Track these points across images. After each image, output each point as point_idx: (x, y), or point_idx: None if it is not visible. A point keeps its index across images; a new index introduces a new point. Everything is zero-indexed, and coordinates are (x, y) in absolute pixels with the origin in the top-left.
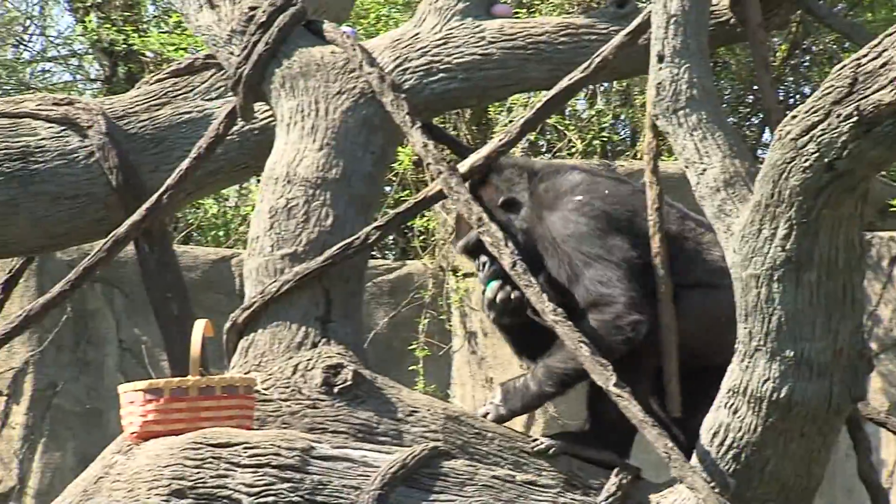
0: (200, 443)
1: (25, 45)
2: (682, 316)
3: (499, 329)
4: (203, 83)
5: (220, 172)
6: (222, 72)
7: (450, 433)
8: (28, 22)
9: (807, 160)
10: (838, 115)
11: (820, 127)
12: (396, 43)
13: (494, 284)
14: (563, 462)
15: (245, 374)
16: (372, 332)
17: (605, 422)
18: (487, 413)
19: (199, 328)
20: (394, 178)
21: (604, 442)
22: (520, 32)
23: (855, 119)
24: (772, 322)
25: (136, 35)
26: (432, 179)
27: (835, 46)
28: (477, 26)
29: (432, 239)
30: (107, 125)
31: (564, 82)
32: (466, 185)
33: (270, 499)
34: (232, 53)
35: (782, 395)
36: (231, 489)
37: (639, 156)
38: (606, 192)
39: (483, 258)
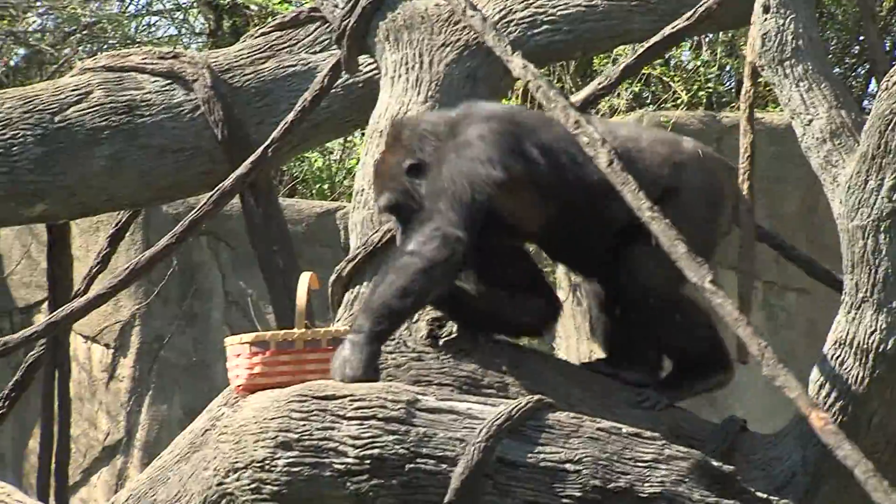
0: (306, 395)
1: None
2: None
3: None
4: (307, 36)
5: (324, 125)
6: (327, 25)
7: (554, 385)
8: None
9: None
10: None
11: None
12: None
13: None
14: (668, 414)
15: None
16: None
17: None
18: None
19: (305, 281)
20: None
21: (698, 368)
22: None
23: None
24: (878, 273)
25: None
26: None
27: None
28: None
29: None
30: (212, 79)
31: (667, 30)
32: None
33: (376, 451)
34: (336, 6)
35: (889, 346)
36: (337, 441)
37: None
38: (518, 122)
39: (397, 225)
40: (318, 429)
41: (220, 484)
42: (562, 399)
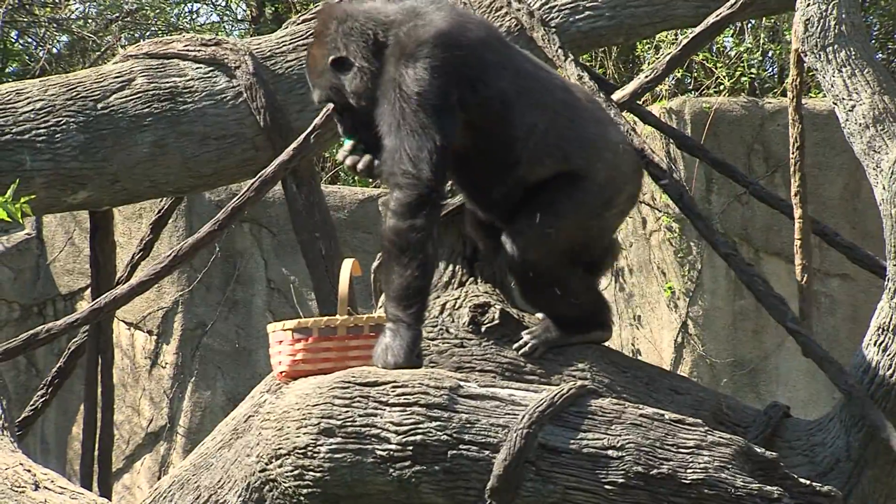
0: (349, 382)
1: None
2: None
3: None
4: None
5: None
6: None
7: (597, 371)
8: None
9: None
10: None
11: None
12: None
13: (348, 145)
14: (710, 400)
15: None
16: None
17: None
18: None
19: (347, 267)
20: None
21: (574, 326)
22: None
23: None
24: None
25: None
26: None
27: None
28: None
29: None
30: (254, 65)
31: (711, 19)
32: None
33: (418, 437)
34: None
35: None
36: (379, 428)
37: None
38: (465, 45)
39: (336, 115)
40: (360, 415)
41: (262, 470)
42: (604, 385)
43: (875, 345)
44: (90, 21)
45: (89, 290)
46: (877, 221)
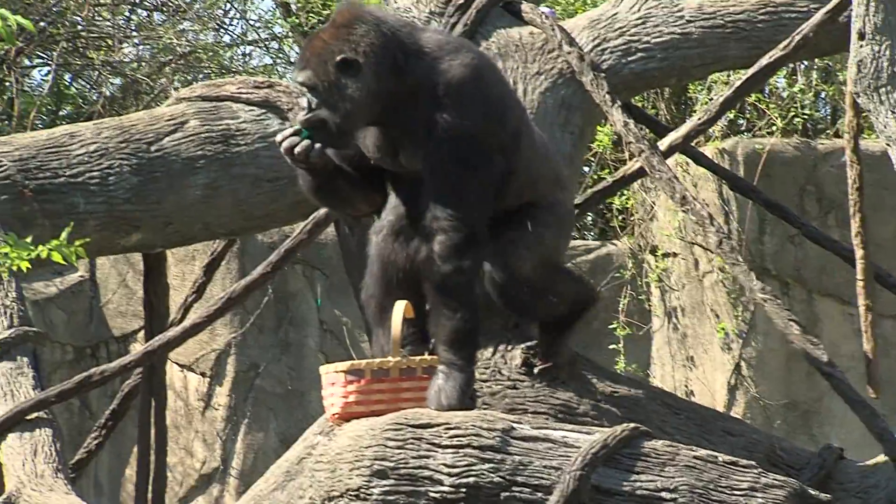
0: (401, 423)
1: (226, 29)
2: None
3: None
4: None
5: None
6: None
7: (649, 413)
8: (228, 6)
9: None
10: None
11: None
12: (594, 23)
13: (291, 130)
14: (764, 441)
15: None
16: None
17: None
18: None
19: (399, 310)
20: (592, 158)
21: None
22: (719, 11)
23: None
24: None
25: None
26: (631, 158)
27: None
28: (675, 5)
29: (631, 218)
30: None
31: (764, 60)
32: (667, 163)
33: (471, 479)
34: None
35: None
36: (432, 470)
37: (839, 133)
38: (498, 86)
39: (310, 100)
40: (413, 457)
41: None
42: (657, 427)
43: None
44: (143, 64)
45: (142, 332)
46: None
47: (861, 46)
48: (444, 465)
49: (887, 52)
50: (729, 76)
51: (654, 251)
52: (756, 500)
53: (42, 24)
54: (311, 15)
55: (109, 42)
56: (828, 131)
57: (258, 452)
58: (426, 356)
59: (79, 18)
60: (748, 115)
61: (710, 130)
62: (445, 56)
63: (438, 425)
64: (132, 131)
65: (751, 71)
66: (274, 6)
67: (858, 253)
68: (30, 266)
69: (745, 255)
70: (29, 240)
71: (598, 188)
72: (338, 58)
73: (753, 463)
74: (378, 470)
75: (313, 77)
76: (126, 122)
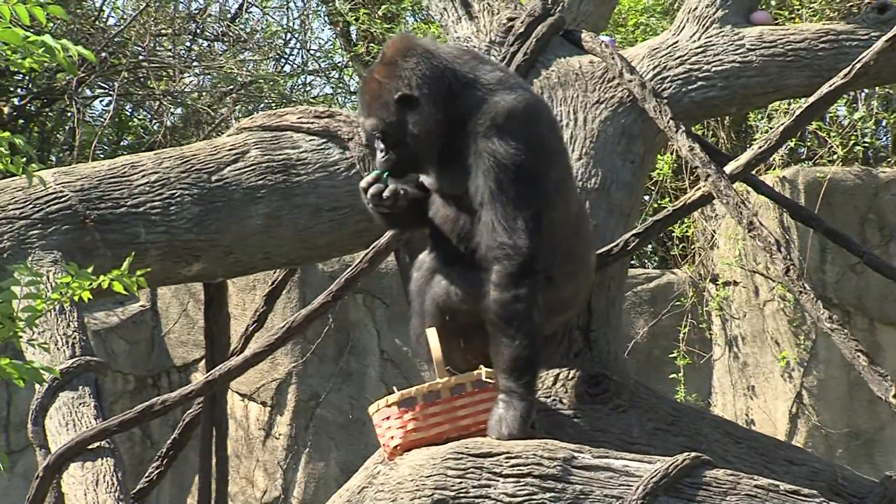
0: (462, 453)
1: (286, 59)
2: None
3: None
4: None
5: None
6: None
7: (710, 442)
8: (288, 36)
9: None
10: None
11: None
12: (655, 52)
13: (373, 175)
14: (826, 471)
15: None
16: (632, 341)
17: None
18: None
19: (433, 334)
20: (652, 187)
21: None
22: (779, 39)
23: None
24: None
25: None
26: (692, 186)
27: None
28: (736, 34)
29: (692, 247)
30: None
31: (825, 88)
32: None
33: None
34: None
35: None
36: (493, 499)
37: None
38: (547, 122)
39: (381, 143)
40: (474, 486)
41: None
42: (719, 456)
43: None
44: (204, 94)
45: (203, 361)
46: None
47: None
48: (505, 494)
49: None
50: (789, 104)
51: (714, 280)
52: None
53: (103, 54)
54: (371, 45)
55: (170, 72)
56: (889, 159)
57: (319, 482)
58: (473, 372)
59: (140, 48)
60: (809, 144)
61: (771, 159)
62: (501, 90)
63: (499, 454)
64: (193, 161)
65: (811, 99)
66: (334, 36)
67: None
68: (91, 296)
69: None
70: (90, 270)
71: (659, 217)
72: (395, 96)
73: (815, 492)
74: (439, 499)
75: (378, 123)
76: (187, 152)
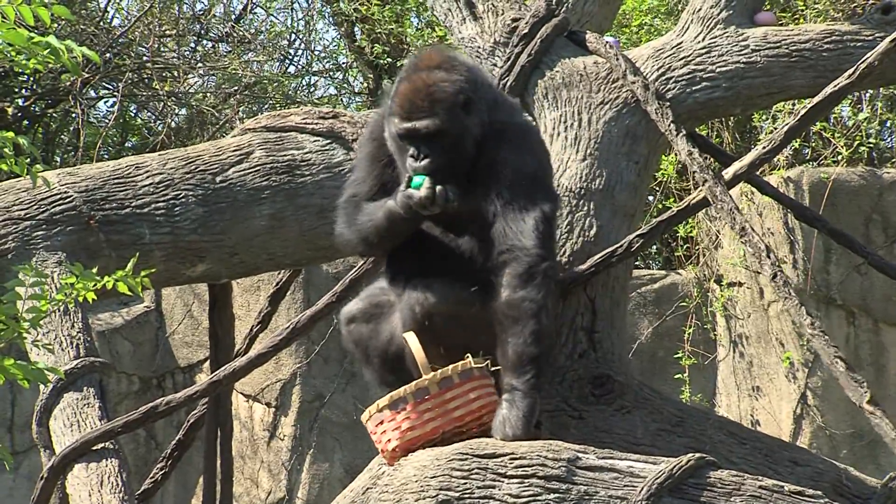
0: (466, 454)
1: (290, 60)
2: None
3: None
4: None
5: None
6: None
7: (715, 443)
8: (293, 37)
9: None
10: None
11: None
12: (659, 52)
13: (428, 181)
14: (830, 471)
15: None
16: (637, 342)
17: None
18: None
19: (412, 337)
20: (657, 187)
21: None
22: (784, 40)
23: None
24: None
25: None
26: (696, 187)
27: None
28: (740, 34)
29: (696, 248)
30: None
31: (829, 89)
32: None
33: None
34: (495, 65)
35: None
36: (497, 500)
37: None
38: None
39: (425, 145)
40: (478, 487)
41: None
42: (723, 457)
43: None
44: (209, 94)
45: (208, 362)
46: None
47: None
48: (510, 494)
49: None
50: (794, 105)
51: (719, 280)
52: None
53: (108, 55)
54: (375, 45)
55: (175, 73)
56: (893, 160)
57: (323, 482)
58: (457, 364)
59: (144, 49)
60: (813, 144)
61: (775, 159)
62: (505, 108)
63: (504, 455)
64: (197, 162)
65: (816, 100)
66: (338, 36)
67: None
68: (96, 297)
69: (810, 285)
70: (95, 270)
71: (663, 217)
72: (461, 98)
73: (820, 493)
74: (443, 500)
75: (445, 122)
76: (191, 153)
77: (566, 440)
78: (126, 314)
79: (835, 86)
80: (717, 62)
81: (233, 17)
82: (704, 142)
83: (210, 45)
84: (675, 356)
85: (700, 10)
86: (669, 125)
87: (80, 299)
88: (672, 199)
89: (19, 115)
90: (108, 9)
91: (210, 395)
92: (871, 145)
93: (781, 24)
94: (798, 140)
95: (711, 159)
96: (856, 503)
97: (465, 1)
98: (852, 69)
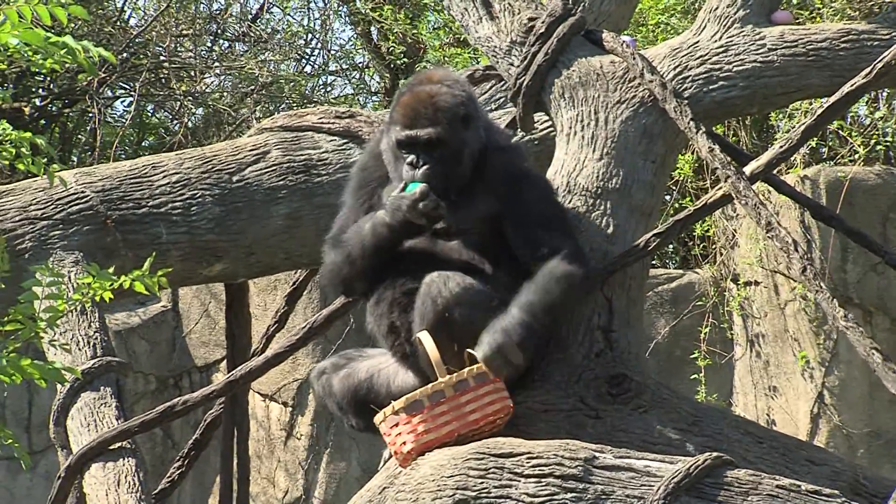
0: (483, 453)
1: (307, 59)
2: None
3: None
4: (483, 94)
5: None
6: (502, 83)
7: (732, 442)
8: (309, 36)
9: None
10: None
11: None
12: (676, 51)
13: (423, 187)
14: (847, 471)
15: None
16: (653, 341)
17: None
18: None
19: (426, 337)
20: (673, 187)
21: None
22: (801, 39)
23: None
24: None
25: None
26: (713, 186)
27: None
28: (757, 33)
29: (713, 247)
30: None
31: (846, 88)
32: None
33: None
34: (512, 64)
35: None
36: (514, 499)
37: None
38: None
39: (431, 156)
40: (495, 486)
41: None
42: (740, 456)
43: None
44: (225, 94)
45: (225, 361)
46: None
47: None
48: (526, 494)
49: None
50: (811, 104)
51: (735, 279)
52: None
53: (124, 55)
54: (392, 44)
55: (191, 72)
56: None
57: (340, 482)
58: (473, 367)
59: (161, 49)
60: (830, 143)
61: (793, 158)
62: (501, 131)
63: (520, 454)
64: (214, 162)
65: (832, 99)
66: (355, 36)
67: None
68: (112, 296)
69: (827, 284)
70: (111, 270)
71: (680, 216)
72: (462, 112)
73: (837, 492)
74: (460, 499)
75: (444, 132)
76: (208, 153)
77: (583, 439)
78: (143, 314)
79: (852, 85)
80: (733, 61)
81: (249, 16)
82: (721, 141)
83: (227, 44)
84: (692, 355)
85: (717, 8)
86: (689, 123)
87: (97, 299)
88: (689, 199)
89: (36, 114)
90: (125, 8)
91: (227, 394)
92: (888, 144)
93: (798, 23)
94: (815, 139)
95: (729, 158)
96: (873, 502)
97: (482, 0)
98: (869, 68)
